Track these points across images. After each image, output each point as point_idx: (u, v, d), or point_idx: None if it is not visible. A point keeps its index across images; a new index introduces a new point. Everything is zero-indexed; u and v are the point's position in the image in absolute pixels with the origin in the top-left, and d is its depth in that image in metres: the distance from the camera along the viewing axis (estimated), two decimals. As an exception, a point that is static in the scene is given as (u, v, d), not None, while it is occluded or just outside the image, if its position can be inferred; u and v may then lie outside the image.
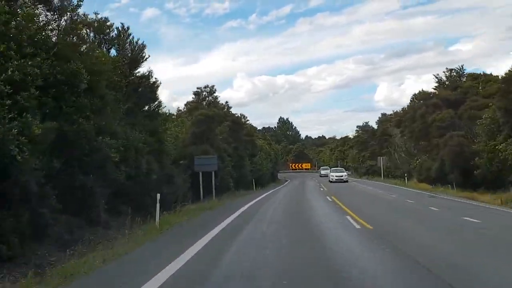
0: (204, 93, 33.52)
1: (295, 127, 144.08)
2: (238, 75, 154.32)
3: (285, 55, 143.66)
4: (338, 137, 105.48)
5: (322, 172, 64.97)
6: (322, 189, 32.21)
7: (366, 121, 76.20)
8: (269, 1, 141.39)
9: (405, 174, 37.43)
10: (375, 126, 71.69)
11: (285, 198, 23.86)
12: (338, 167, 75.61)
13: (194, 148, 26.24)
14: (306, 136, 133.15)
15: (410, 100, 69.81)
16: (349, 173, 68.81)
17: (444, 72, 42.47)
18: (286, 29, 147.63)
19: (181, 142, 27.50)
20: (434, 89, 42.03)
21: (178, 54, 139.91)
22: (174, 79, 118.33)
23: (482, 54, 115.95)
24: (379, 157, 47.90)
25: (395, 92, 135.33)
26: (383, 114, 73.44)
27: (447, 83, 41.49)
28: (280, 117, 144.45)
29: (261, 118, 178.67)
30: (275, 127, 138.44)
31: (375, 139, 59.67)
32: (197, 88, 33.48)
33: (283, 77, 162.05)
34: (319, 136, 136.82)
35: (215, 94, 34.19)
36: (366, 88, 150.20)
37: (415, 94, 69.53)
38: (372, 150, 59.17)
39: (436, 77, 42.35)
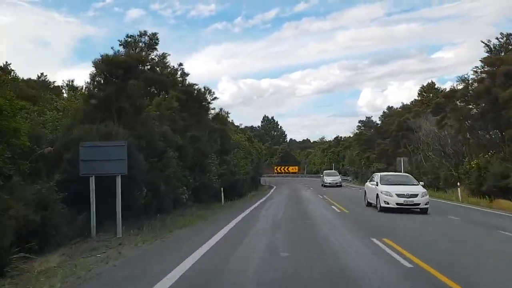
0: (140, 45, 19.90)
1: (280, 126, 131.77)
2: (223, 78, 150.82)
3: (270, 59, 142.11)
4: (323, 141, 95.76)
5: (328, 179, 45.59)
6: (335, 208, 18.75)
7: (362, 120, 62.87)
8: (255, 5, 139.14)
9: (458, 184, 24.34)
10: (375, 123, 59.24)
11: (275, 247, 10.30)
12: (333, 168, 63.11)
13: (88, 129, 12.76)
14: (291, 139, 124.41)
15: (418, 93, 58.08)
16: (349, 179, 56.07)
17: (497, 38, 29.92)
18: (271, 33, 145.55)
19: (71, 118, 14.00)
20: (482, 61, 29.21)
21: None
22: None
23: (463, 62, 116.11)
24: (398, 159, 34.75)
25: (378, 98, 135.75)
26: (389, 108, 61.00)
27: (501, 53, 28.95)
28: (265, 115, 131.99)
29: (245, 122, 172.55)
30: (258, 127, 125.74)
31: (384, 136, 47.03)
32: (128, 36, 19.78)
33: (268, 80, 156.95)
34: (303, 139, 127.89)
35: (158, 49, 20.53)
36: (349, 94, 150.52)
37: (423, 86, 57.74)
38: (382, 150, 46.33)
39: (487, 44, 29.72)
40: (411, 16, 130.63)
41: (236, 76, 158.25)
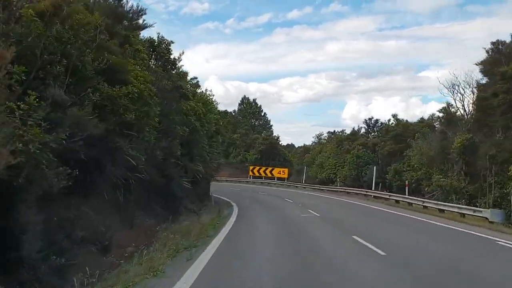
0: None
1: (264, 113, 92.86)
2: (211, 78, 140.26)
3: (259, 63, 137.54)
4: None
5: None
6: None
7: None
8: (248, 8, 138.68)
9: None
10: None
11: None
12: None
13: None
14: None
15: None
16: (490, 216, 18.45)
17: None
18: (262, 37, 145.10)
19: None
20: None
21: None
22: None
23: (449, 82, 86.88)
24: None
25: (362, 112, 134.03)
26: None
27: None
28: (244, 96, 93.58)
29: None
30: (234, 111, 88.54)
31: None
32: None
33: (255, 84, 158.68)
34: (287, 144, 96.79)
35: None
36: (335, 104, 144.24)
37: None
38: None
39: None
40: (401, 33, 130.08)
41: (224, 77, 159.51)
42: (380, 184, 32.37)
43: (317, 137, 74.87)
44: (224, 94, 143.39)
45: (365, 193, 29.53)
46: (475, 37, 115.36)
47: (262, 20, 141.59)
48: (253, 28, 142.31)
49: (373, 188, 30.71)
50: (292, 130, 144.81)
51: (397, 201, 24.36)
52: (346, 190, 33.01)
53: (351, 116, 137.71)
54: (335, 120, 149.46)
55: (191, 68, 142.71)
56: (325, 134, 61.42)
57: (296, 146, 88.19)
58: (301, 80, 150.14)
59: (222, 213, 19.36)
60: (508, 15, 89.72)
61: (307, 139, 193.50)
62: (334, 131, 61.04)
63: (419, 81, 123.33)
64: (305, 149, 64.18)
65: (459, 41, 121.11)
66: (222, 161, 30.50)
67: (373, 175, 30.61)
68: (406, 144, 33.57)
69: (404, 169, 30.23)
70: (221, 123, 24.66)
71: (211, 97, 21.61)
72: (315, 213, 18.62)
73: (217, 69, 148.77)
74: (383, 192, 28.28)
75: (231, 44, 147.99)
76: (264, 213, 19.48)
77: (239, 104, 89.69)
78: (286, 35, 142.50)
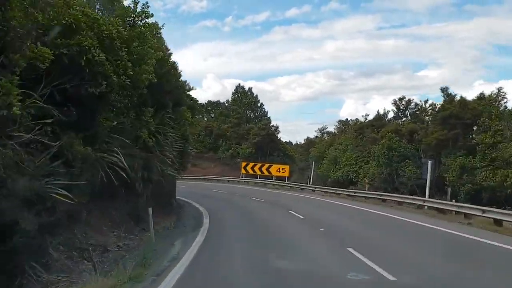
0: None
1: (261, 103, 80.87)
2: (208, 76, 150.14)
3: (257, 61, 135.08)
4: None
5: None
6: None
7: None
8: (247, 6, 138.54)
9: None
10: None
11: None
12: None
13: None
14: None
15: None
16: None
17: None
18: (260, 35, 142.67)
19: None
20: None
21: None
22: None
23: (447, 82, 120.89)
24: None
25: (360, 111, 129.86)
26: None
27: None
28: (239, 84, 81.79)
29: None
30: (227, 101, 77.60)
31: None
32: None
33: (253, 82, 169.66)
34: (285, 141, 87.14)
35: None
36: (332, 103, 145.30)
37: None
38: None
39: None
40: (400, 32, 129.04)
41: (221, 75, 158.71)
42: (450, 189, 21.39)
43: (320, 131, 64.29)
44: (221, 92, 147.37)
45: (421, 203, 18.55)
46: (473, 37, 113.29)
47: (260, 18, 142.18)
48: (251, 26, 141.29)
49: (427, 195, 19.77)
50: (289, 128, 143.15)
51: (497, 221, 13.37)
52: (381, 197, 22.02)
53: (349, 115, 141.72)
54: (333, 118, 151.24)
55: (189, 66, 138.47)
56: (336, 124, 50.35)
57: (293, 144, 78.98)
58: (299, 79, 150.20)
59: (160, 258, 8.43)
60: (506, 15, 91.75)
61: (305, 138, 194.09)
62: (347, 119, 50.32)
63: (417, 80, 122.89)
64: (309, 142, 53.32)
65: (458, 40, 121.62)
66: (192, 150, 19.48)
67: (427, 174, 19.67)
68: (465, 129, 22.75)
69: (479, 165, 19.48)
70: (174, 74, 13.43)
71: (150, 17, 10.55)
72: (377, 268, 7.65)
73: (214, 68, 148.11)
74: (456, 203, 17.15)
75: (229, 42, 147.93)
76: (255, 262, 8.55)
77: (233, 94, 78.18)
78: (284, 33, 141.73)
